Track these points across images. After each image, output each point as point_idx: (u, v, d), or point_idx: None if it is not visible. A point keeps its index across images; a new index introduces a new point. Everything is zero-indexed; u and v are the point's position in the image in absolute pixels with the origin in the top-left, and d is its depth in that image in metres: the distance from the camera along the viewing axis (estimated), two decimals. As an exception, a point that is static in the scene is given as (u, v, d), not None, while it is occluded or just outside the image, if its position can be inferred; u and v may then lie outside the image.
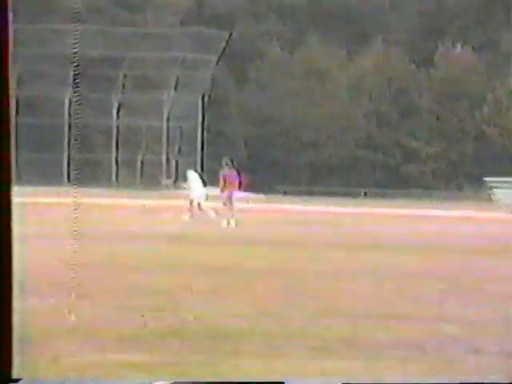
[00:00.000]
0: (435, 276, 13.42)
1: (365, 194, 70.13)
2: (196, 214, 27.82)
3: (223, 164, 27.60)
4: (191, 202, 28.29)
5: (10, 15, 3.09)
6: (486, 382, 6.18)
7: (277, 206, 43.71)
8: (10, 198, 3.09)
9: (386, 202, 52.93)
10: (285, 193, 69.36)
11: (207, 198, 28.50)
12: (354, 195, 66.13)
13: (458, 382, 6.22)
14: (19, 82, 65.04)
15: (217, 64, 72.21)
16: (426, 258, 16.82)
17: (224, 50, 70.96)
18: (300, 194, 65.92)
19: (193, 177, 29.28)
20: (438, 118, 79.72)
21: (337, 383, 6.03)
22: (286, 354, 6.87)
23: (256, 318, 8.55)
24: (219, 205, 27.22)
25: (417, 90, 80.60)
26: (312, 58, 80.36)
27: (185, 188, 29.74)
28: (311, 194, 67.20)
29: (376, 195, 68.16)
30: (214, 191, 28.94)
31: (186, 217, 27.42)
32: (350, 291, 11.13)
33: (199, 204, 28.15)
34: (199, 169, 67.01)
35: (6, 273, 3.06)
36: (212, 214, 27.53)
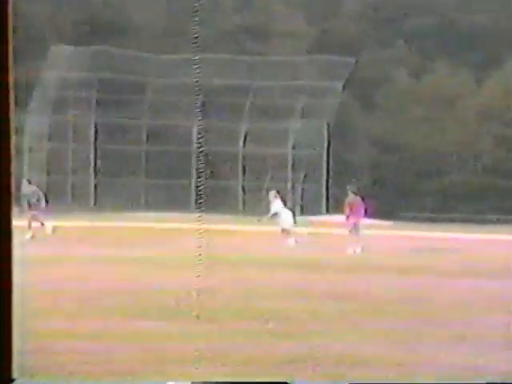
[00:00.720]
0: None
1: (497, 219, 68.35)
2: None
3: (349, 191, 27.45)
4: (283, 230, 27.75)
5: (10, 17, 3.09)
6: (486, 382, 5.99)
7: (403, 232, 43.18)
8: (10, 210, 3.11)
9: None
10: (411, 219, 68.44)
11: (295, 222, 28.08)
12: (483, 222, 64.63)
13: (459, 381, 6.05)
14: (150, 111, 66.70)
15: (342, 91, 72.19)
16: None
17: (350, 76, 70.93)
18: (427, 220, 64.88)
19: (278, 202, 28.81)
20: None
21: None
22: (414, 381, 6.77)
23: (384, 345, 8.46)
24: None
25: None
26: (440, 83, 79.33)
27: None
28: (438, 220, 66.06)
29: (506, 222, 66.46)
30: (339, 218, 28.66)
31: (291, 241, 26.98)
32: (479, 319, 10.88)
33: (283, 229, 27.70)
34: (324, 196, 66.89)
35: (6, 273, 3.08)
36: (292, 241, 27.05)
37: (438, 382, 6.89)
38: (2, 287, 3.09)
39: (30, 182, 28.67)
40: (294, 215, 28.54)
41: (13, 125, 3.10)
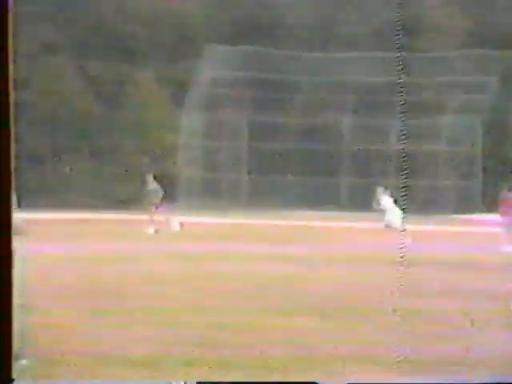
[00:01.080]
0: None
1: None
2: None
3: (505, 189, 26.82)
4: (387, 226, 27.18)
5: (10, 16, 3.03)
6: (485, 381, 5.68)
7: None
8: (11, 209, 3.11)
9: None
10: None
11: (403, 218, 27.48)
12: None
13: (458, 382, 5.76)
14: (301, 109, 66.99)
15: (497, 86, 70.39)
16: None
17: (505, 71, 69.06)
18: None
19: (386, 199, 28.30)
20: None
21: None
22: None
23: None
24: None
25: None
26: None
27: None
28: None
29: None
30: (495, 217, 27.99)
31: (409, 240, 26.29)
32: None
33: (386, 225, 27.13)
34: (480, 194, 65.40)
35: (6, 273, 3.09)
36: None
37: None
38: (2, 286, 3.07)
39: (155, 178, 28.68)
40: (403, 213, 28.10)
41: (13, 124, 3.10)
